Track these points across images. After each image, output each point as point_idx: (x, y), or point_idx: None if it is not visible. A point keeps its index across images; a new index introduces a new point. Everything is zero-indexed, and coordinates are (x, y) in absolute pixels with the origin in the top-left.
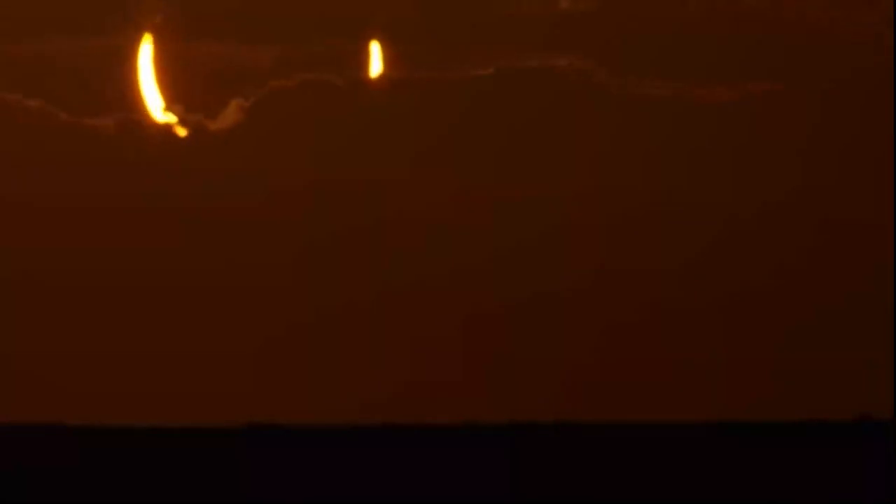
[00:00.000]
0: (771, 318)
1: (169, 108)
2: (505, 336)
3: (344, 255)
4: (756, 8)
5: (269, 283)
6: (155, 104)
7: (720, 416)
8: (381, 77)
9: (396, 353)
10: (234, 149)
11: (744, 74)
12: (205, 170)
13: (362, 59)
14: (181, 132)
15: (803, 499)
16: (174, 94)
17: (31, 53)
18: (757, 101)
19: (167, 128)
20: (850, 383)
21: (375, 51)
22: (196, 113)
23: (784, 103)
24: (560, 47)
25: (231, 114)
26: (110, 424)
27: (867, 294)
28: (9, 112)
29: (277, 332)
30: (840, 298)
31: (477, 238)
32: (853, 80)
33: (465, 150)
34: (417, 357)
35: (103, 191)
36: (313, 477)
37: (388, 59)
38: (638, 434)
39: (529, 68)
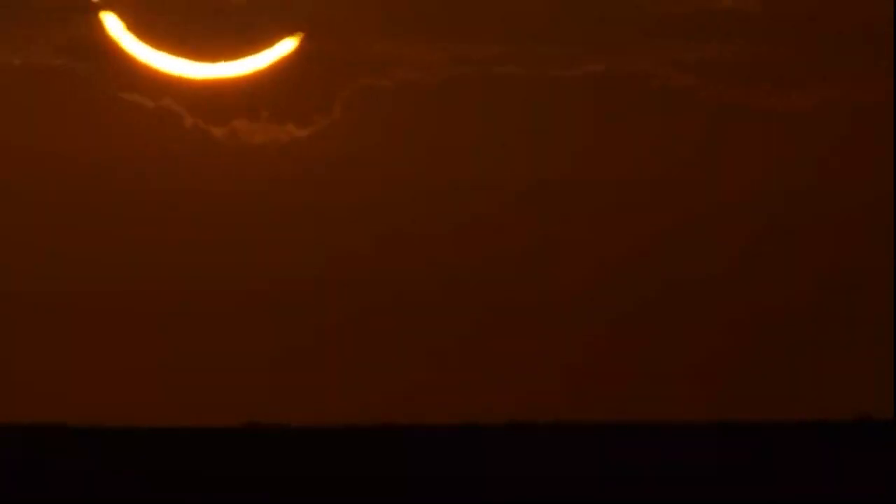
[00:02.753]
0: (771, 319)
1: (269, 109)
2: (507, 336)
3: (346, 258)
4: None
5: (266, 284)
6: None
7: (720, 416)
8: (500, 74)
9: (398, 354)
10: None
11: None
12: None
13: (464, 58)
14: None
15: (804, 499)
16: (277, 96)
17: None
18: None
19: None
20: (850, 383)
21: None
22: (294, 114)
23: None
24: (644, 50)
25: (329, 113)
26: (110, 424)
27: (867, 294)
28: (135, 112)
29: (278, 333)
30: (840, 299)
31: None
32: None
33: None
34: (418, 357)
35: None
36: (313, 477)
37: (519, 58)
38: (638, 434)
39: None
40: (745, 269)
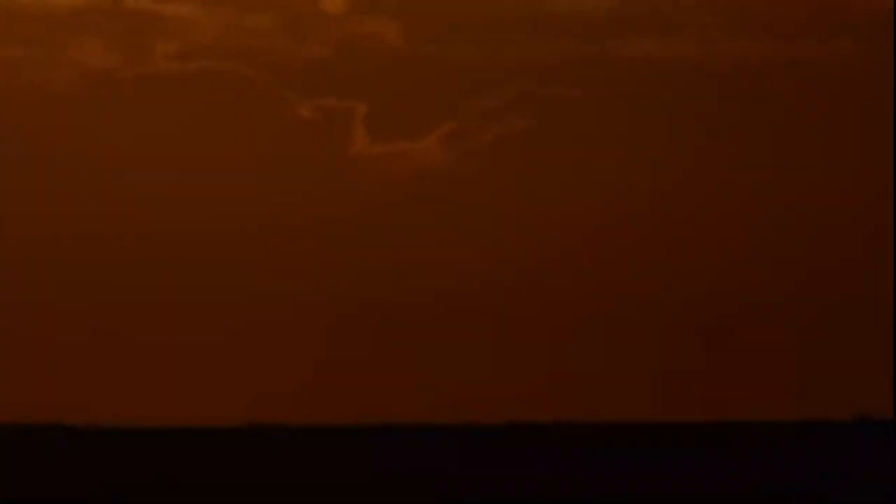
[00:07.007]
0: (771, 320)
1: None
2: (508, 338)
3: (350, 258)
4: None
5: (266, 284)
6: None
7: (720, 416)
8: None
9: (399, 354)
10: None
11: None
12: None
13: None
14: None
15: (804, 498)
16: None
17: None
18: None
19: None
20: (850, 383)
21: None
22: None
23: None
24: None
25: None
26: (110, 424)
27: (867, 294)
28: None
29: (279, 333)
30: (840, 299)
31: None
32: None
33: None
34: (418, 358)
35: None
36: (313, 477)
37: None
38: (638, 434)
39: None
40: (746, 270)
